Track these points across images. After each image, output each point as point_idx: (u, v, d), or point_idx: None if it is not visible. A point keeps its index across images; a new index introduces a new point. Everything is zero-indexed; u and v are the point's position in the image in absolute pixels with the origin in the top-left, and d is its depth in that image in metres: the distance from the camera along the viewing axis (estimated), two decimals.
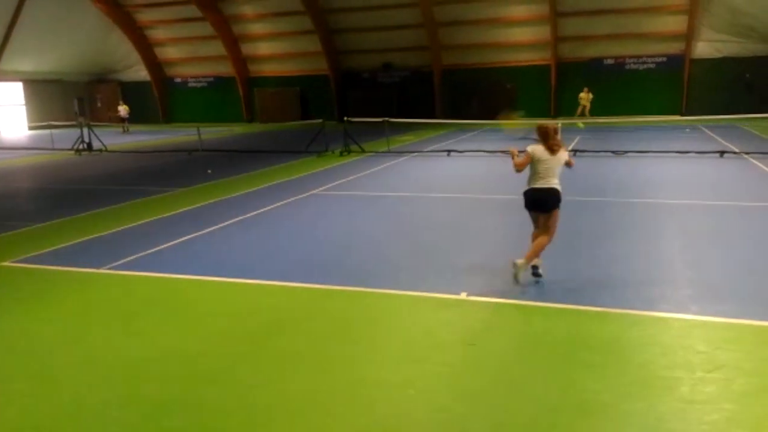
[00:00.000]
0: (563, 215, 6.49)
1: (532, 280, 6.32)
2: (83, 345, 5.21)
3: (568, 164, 6.41)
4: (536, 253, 6.13)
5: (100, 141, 22.37)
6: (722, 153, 15.64)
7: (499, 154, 17.36)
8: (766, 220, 8.86)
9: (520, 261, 6.05)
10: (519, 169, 6.39)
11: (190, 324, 5.60)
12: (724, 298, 5.76)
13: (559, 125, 6.49)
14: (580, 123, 26.05)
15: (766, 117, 21.38)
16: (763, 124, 23.95)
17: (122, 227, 9.53)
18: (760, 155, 15.23)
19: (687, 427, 3.68)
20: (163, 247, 8.25)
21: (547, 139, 6.20)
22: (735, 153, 15.87)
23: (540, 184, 6.17)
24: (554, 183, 6.15)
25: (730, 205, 9.88)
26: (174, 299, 6.32)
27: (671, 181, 12.21)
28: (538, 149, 6.20)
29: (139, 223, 9.84)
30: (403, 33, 33.39)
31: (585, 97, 28.32)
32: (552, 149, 6.15)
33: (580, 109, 28.63)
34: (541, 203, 6.21)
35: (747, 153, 15.69)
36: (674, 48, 30.28)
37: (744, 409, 3.83)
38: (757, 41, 28.58)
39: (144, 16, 37.74)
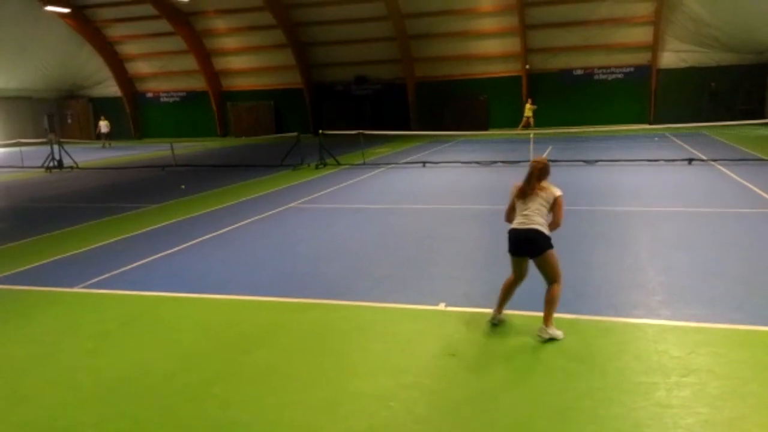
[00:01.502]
0: None
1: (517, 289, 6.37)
2: (57, 365, 5.11)
3: (553, 219, 5.29)
4: (552, 310, 5.15)
5: (71, 158, 22.05)
6: (690, 160, 16.01)
7: (474, 164, 17.53)
8: (734, 225, 9.07)
9: (546, 330, 5.10)
10: (507, 217, 5.49)
11: (165, 341, 5.53)
12: (696, 302, 5.88)
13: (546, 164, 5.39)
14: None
15: (731, 125, 21.97)
16: (728, 131, 24.58)
17: (95, 245, 9.39)
18: (727, 162, 15.62)
19: (664, 431, 3.74)
20: (136, 264, 8.14)
21: (526, 178, 5.35)
22: (702, 160, 16.25)
23: (518, 224, 5.26)
24: (536, 223, 5.18)
25: (700, 212, 10.11)
26: (149, 317, 6.23)
27: (642, 189, 12.43)
28: (516, 187, 5.45)
29: (112, 240, 9.70)
30: (375, 46, 33.62)
31: (529, 108, 29.42)
32: (525, 191, 5.30)
33: (524, 121, 29.42)
34: (526, 246, 5.22)
35: (714, 160, 16.08)
36: (641, 58, 30.98)
37: (718, 413, 3.91)
38: (720, 51, 29.39)
39: (114, 32, 37.40)
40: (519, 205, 5.33)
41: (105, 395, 4.50)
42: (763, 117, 26.46)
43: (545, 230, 5.18)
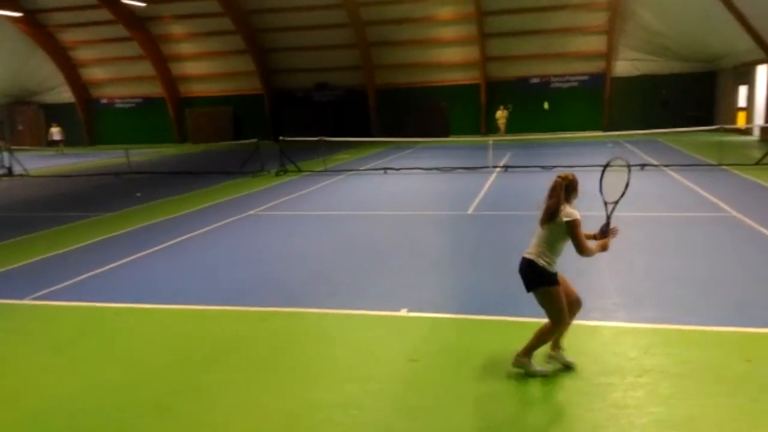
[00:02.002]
0: (496, 233, 6.56)
1: (477, 294, 6.42)
2: (7, 381, 4.92)
3: (575, 243, 4.53)
4: (534, 343, 4.56)
5: (21, 165, 21.35)
6: (643, 166, 16.45)
7: (435, 171, 17.65)
8: (686, 229, 9.36)
9: (521, 359, 4.57)
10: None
11: (121, 354, 5.38)
12: (650, 304, 6.03)
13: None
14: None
15: (682, 131, 22.68)
16: (679, 137, 25.38)
17: (46, 255, 9.09)
18: (678, 167, 16.13)
19: (620, 431, 3.81)
20: (90, 274, 7.92)
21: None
22: (655, 166, 16.73)
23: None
24: (531, 252, 4.57)
25: (652, 216, 10.39)
26: (103, 329, 6.06)
27: (596, 194, 12.69)
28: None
29: (65, 250, 9.41)
30: (336, 53, 33.62)
31: (501, 114, 30.04)
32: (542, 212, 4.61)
33: (502, 128, 30.11)
34: (521, 276, 4.62)
35: (666, 165, 16.58)
36: (595, 67, 31.78)
37: (671, 411, 4.01)
38: (671, 59, 30.37)
39: (67, 37, 36.43)
40: None
41: (58, 411, 4.35)
42: (711, 123, 27.40)
43: (540, 261, 4.48)
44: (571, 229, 4.47)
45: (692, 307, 5.91)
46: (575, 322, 5.61)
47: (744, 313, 5.70)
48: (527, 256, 4.57)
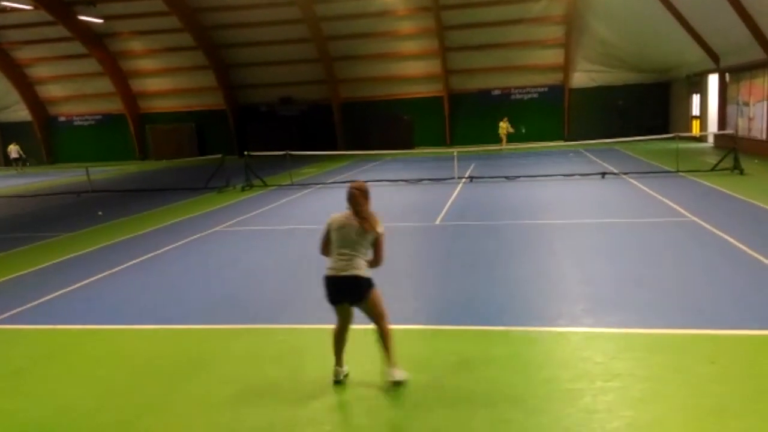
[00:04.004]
0: (464, 243, 6.60)
1: (447, 304, 6.44)
2: None
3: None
4: (391, 347, 4.67)
5: None
6: (603, 174, 16.84)
7: (402, 183, 17.73)
8: (647, 235, 9.58)
9: (394, 372, 4.62)
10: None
11: (86, 377, 5.24)
12: (616, 309, 6.15)
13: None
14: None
15: (639, 140, 23.30)
16: (636, 146, 26.07)
17: (5, 278, 8.82)
18: (636, 175, 16.54)
19: None
20: (52, 296, 7.70)
21: (353, 204, 4.92)
22: (614, 174, 17.13)
23: (338, 270, 4.63)
24: (357, 268, 4.66)
25: (615, 222, 10.62)
26: (67, 352, 5.89)
27: (560, 203, 12.95)
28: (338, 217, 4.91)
29: (24, 272, 9.14)
30: (299, 67, 33.62)
31: (504, 126, 29.49)
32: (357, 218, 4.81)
33: (504, 139, 29.63)
34: (348, 292, 4.67)
35: (625, 173, 16.99)
36: (554, 78, 32.50)
37: (641, 415, 4.09)
38: (626, 70, 31.27)
39: (23, 54, 35.60)
40: (337, 240, 4.78)
41: None
42: (667, 132, 28.24)
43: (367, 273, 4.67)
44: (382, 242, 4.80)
45: (657, 310, 6.04)
46: (547, 328, 5.70)
47: (706, 315, 5.86)
48: (354, 273, 4.61)
